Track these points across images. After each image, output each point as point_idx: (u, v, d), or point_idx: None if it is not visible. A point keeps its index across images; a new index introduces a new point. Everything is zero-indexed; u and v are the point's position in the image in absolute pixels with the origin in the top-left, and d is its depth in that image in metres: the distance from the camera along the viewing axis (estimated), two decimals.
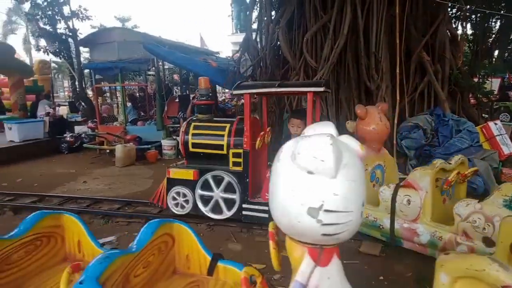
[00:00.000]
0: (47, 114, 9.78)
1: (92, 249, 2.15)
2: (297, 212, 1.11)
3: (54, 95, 14.74)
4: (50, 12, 9.95)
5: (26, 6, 31.41)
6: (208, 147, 4.09)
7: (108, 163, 7.57)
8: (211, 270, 1.98)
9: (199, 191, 4.10)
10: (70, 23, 10.20)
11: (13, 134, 8.68)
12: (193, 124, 4.22)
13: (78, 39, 10.07)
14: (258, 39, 6.98)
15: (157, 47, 7.08)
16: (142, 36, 7.63)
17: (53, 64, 18.41)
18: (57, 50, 10.37)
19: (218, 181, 4.05)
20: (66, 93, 33.53)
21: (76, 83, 11.11)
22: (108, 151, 8.21)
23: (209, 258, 1.98)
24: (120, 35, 7.94)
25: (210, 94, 4.50)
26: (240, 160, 3.93)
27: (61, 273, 1.54)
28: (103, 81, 10.39)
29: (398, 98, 5.22)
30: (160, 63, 8.43)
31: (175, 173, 4.19)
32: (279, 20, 5.93)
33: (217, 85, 10.51)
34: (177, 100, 10.79)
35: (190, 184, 4.12)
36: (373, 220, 3.51)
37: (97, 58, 8.31)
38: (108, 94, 12.07)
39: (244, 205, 3.96)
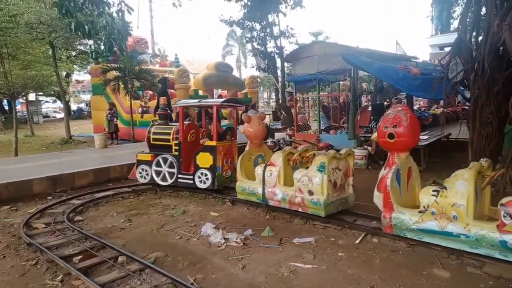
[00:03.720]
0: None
1: None
2: None
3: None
4: (262, 34, 11.58)
5: (238, 31, 37.47)
6: (162, 140, 6.42)
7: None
8: None
9: (154, 167, 6.33)
10: (278, 42, 11.58)
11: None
12: (154, 126, 6.62)
13: (284, 55, 11.28)
14: (472, 40, 6.09)
15: (355, 58, 7.14)
16: (341, 48, 7.87)
17: None
18: (266, 67, 11.93)
19: (165, 161, 6.24)
20: (263, 103, 37.99)
21: (279, 95, 12.45)
22: None
23: None
24: (321, 49, 8.41)
25: (167, 108, 6.91)
26: (177, 147, 6.20)
27: None
28: (301, 92, 11.23)
29: None
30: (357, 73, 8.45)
31: (140, 156, 6.50)
32: (504, 15, 4.99)
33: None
34: (369, 109, 10.59)
35: (149, 163, 6.36)
36: (252, 190, 5.23)
37: (298, 72, 9.07)
38: (299, 104, 12.97)
39: (179, 175, 6.15)
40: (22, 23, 14.00)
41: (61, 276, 3.36)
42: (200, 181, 5.96)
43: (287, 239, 4.09)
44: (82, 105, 39.96)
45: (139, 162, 6.46)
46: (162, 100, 7.09)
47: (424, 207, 3.64)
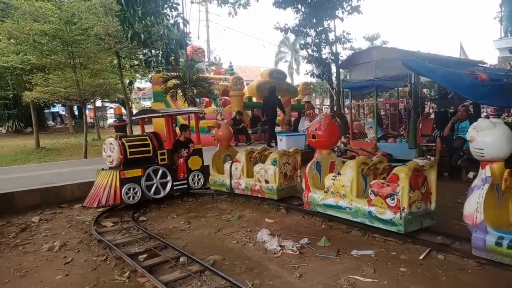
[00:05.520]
0: (307, 129, 11.21)
1: None
2: None
3: None
4: (317, 40, 11.49)
5: (291, 38, 37.47)
6: (140, 153, 5.99)
7: None
8: None
9: (144, 182, 5.87)
10: (333, 48, 11.42)
11: (283, 144, 10.45)
12: (124, 140, 5.85)
13: (339, 62, 11.10)
14: None
15: (417, 63, 6.80)
16: (400, 53, 7.56)
17: None
18: (321, 73, 11.82)
19: (156, 172, 6.05)
20: (315, 109, 37.55)
21: (334, 101, 12.26)
22: None
23: None
24: (379, 54, 8.14)
25: (123, 118, 6.34)
26: (164, 157, 6.24)
27: None
28: (356, 99, 10.96)
29: None
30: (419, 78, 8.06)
31: (128, 173, 5.71)
32: None
33: None
34: (431, 116, 10.04)
35: (138, 179, 5.81)
36: (222, 182, 6.47)
37: (354, 78, 8.86)
38: (353, 111, 12.62)
39: (175, 183, 6.29)
40: (92, 35, 15.21)
41: (128, 273, 3.58)
42: (194, 183, 6.61)
43: (344, 250, 4.00)
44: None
45: (125, 181, 5.65)
46: (117, 110, 6.84)
47: (327, 188, 4.83)
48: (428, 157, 7.75)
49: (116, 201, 5.52)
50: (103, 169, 5.90)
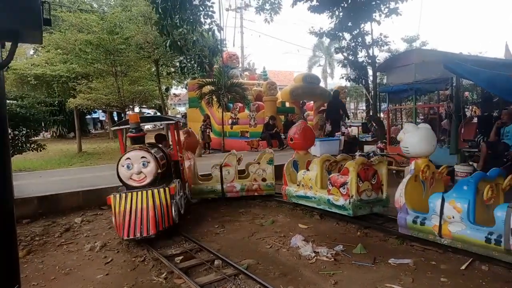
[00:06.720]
0: (342, 133, 11.04)
1: None
2: None
3: None
4: (353, 44, 11.30)
5: (325, 42, 37.06)
6: (163, 166, 5.03)
7: (396, 183, 7.61)
8: None
9: (177, 197, 5.08)
10: (370, 51, 11.17)
11: (317, 149, 10.33)
12: (154, 152, 4.94)
13: (376, 65, 10.84)
14: None
15: (459, 66, 6.49)
16: (441, 55, 7.26)
17: None
18: (357, 77, 11.59)
19: (179, 185, 5.31)
20: (349, 114, 36.83)
21: (370, 106, 11.97)
22: (394, 171, 8.26)
23: None
24: (418, 56, 7.86)
25: (141, 128, 4.83)
26: (175, 168, 5.54)
27: None
28: (393, 103, 10.66)
29: None
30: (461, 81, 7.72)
31: (174, 187, 4.78)
32: None
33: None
34: (474, 121, 9.56)
35: (174, 196, 4.84)
36: (210, 188, 6.51)
37: (392, 82, 8.62)
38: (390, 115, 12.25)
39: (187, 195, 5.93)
40: (133, 44, 15.89)
41: (165, 274, 3.68)
42: (190, 194, 6.26)
43: (381, 258, 3.88)
44: (178, 117, 43.58)
45: (172, 198, 4.71)
46: (133, 117, 4.81)
47: (299, 182, 5.76)
48: (471, 163, 7.38)
49: (169, 222, 4.60)
50: (119, 190, 4.78)
